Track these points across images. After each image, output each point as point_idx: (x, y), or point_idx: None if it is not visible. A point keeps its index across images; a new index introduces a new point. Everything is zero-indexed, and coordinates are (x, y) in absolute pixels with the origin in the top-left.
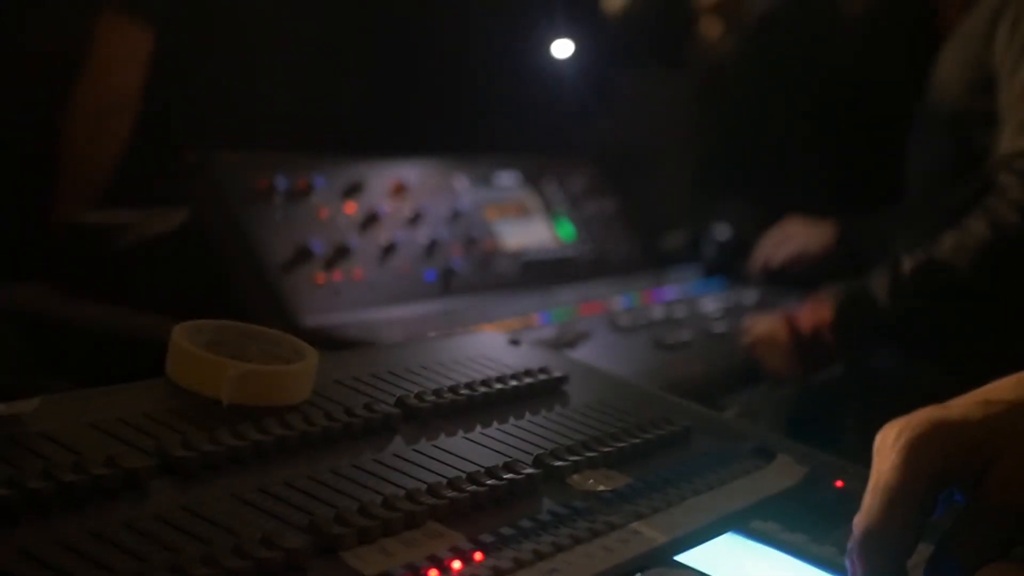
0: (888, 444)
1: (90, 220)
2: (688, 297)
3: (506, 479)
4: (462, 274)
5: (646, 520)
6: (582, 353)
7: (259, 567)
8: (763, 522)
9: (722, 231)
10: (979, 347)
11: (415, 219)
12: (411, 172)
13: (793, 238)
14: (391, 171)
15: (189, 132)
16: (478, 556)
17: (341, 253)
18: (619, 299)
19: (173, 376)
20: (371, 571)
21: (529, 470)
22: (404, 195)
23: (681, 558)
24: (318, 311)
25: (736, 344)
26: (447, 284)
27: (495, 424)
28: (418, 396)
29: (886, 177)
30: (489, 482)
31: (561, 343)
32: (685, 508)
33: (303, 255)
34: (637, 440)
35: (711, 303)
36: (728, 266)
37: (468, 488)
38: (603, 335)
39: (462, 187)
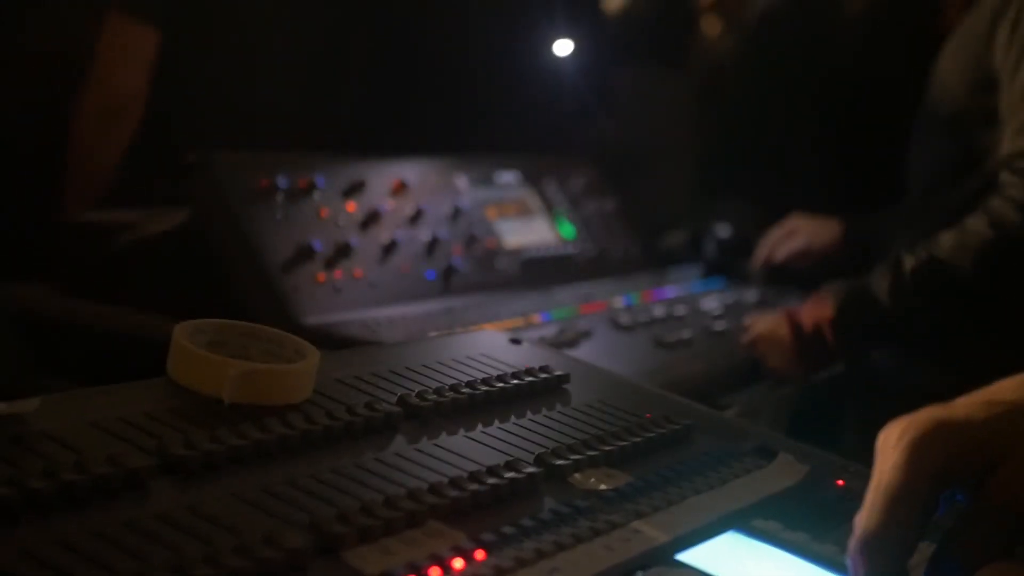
0: (891, 443)
1: (91, 220)
2: (688, 295)
3: (507, 478)
4: (463, 273)
5: (647, 519)
6: (583, 352)
7: (260, 566)
8: (764, 521)
9: (722, 230)
10: (980, 346)
11: (416, 218)
12: (412, 171)
13: (798, 234)
14: (392, 170)
15: (190, 132)
16: (480, 555)
17: (342, 252)
18: (620, 298)
19: (174, 375)
20: (373, 570)
21: (530, 469)
22: (405, 194)
23: (682, 557)
24: (319, 310)
25: (737, 342)
26: (448, 283)
27: (496, 423)
28: (419, 395)
29: (887, 176)
30: (490, 481)
31: (562, 342)
32: (686, 507)
33: (304, 254)
34: (638, 439)
35: (712, 301)
36: (728, 266)
37: (470, 487)
38: (604, 334)
39: (463, 186)
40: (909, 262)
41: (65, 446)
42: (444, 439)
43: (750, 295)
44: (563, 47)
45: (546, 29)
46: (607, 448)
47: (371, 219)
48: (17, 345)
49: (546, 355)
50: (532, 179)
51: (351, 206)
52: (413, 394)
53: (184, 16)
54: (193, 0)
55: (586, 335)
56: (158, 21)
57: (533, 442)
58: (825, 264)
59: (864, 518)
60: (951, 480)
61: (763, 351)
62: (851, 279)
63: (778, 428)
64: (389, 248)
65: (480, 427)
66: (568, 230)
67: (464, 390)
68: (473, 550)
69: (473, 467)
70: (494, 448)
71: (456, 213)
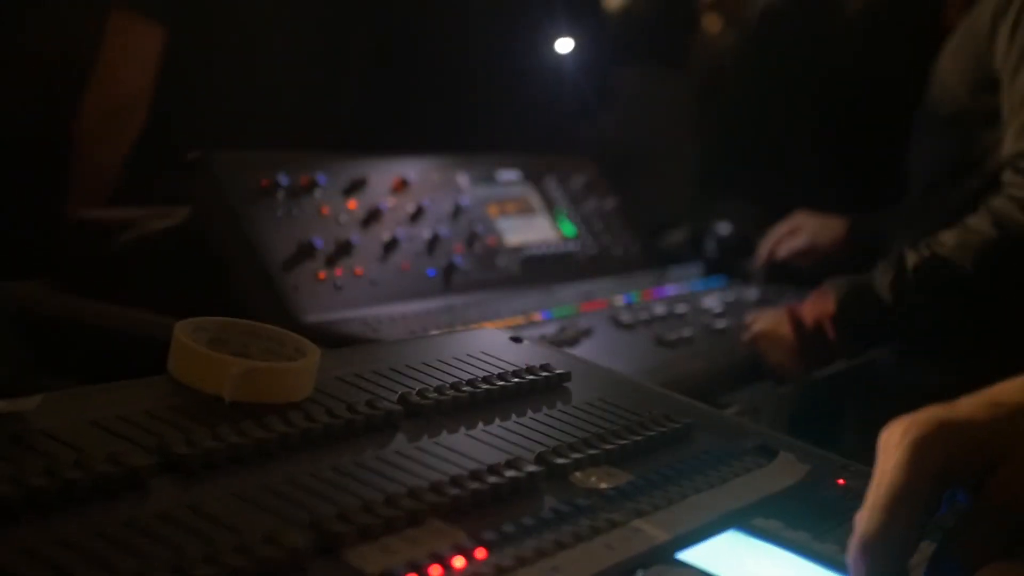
0: (893, 443)
1: (92, 218)
2: (689, 293)
3: (508, 476)
4: (464, 271)
5: (648, 518)
6: (583, 350)
7: (261, 565)
8: (765, 520)
9: (723, 229)
10: (981, 346)
11: (417, 216)
12: (413, 169)
13: (802, 231)
14: (393, 168)
15: (191, 130)
16: (480, 554)
17: (343, 250)
18: (620, 296)
19: (175, 373)
20: (373, 569)
21: (531, 467)
22: (406, 192)
23: (683, 556)
24: (320, 308)
25: (738, 340)
26: (449, 281)
27: (497, 421)
28: (420, 393)
29: (887, 175)
30: (491, 479)
31: (562, 340)
32: (687, 506)
33: (305, 252)
34: (639, 437)
35: (712, 300)
36: (729, 264)
37: (470, 485)
38: (604, 332)
39: (464, 184)
40: (911, 259)
41: (66, 444)
42: (445, 437)
43: (751, 293)
44: (564, 46)
45: (547, 28)
46: (608, 447)
47: (372, 217)
48: (17, 343)
49: (547, 353)
50: (533, 177)
51: (352, 204)
52: (414, 392)
53: (185, 15)
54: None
55: (587, 333)
56: (160, 20)
57: (534, 440)
58: (828, 263)
59: (865, 517)
60: (952, 480)
61: (764, 348)
62: (853, 274)
63: (779, 427)
64: (390, 246)
65: (481, 425)
66: (569, 228)
67: (465, 388)
68: (474, 549)
69: (474, 465)
70: (495, 446)
71: (457, 211)
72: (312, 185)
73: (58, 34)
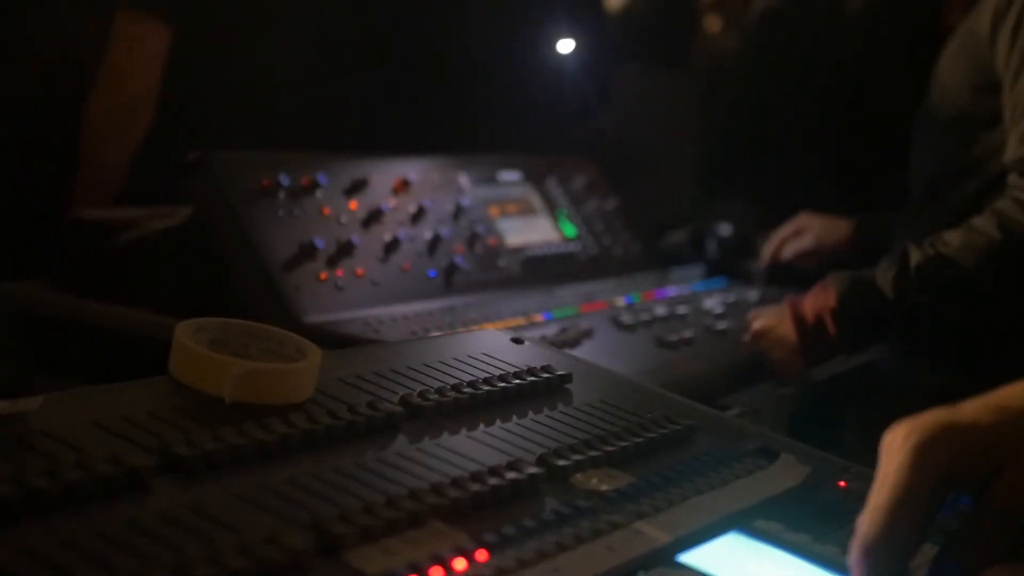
0: (896, 445)
1: (93, 218)
2: (690, 294)
3: (509, 478)
4: (465, 271)
5: (649, 520)
6: (584, 351)
7: (262, 566)
8: (766, 522)
9: (724, 230)
10: (982, 348)
11: (418, 217)
12: (414, 170)
13: (807, 232)
14: (394, 169)
15: (192, 130)
16: (481, 555)
17: (344, 251)
18: (621, 297)
19: (176, 374)
20: (374, 570)
21: (532, 469)
22: (407, 193)
23: (684, 558)
24: (321, 309)
25: (739, 341)
26: (450, 282)
27: (498, 423)
28: (421, 394)
29: (887, 176)
30: (492, 481)
31: (563, 341)
32: (688, 508)
33: (306, 253)
34: (640, 439)
35: (713, 301)
36: (730, 266)
37: (471, 487)
38: (605, 333)
39: (465, 185)
40: (915, 257)
41: (67, 445)
42: (446, 439)
43: (752, 295)
44: (565, 46)
45: (548, 28)
46: (609, 448)
47: (373, 217)
48: (19, 343)
49: (548, 355)
50: (534, 178)
51: (353, 204)
52: (415, 393)
53: (186, 15)
54: (195, 0)
55: (588, 334)
56: (166, 20)
57: (535, 442)
58: (833, 264)
59: (867, 519)
60: (956, 483)
61: (766, 343)
62: (855, 269)
63: (780, 429)
64: (391, 247)
65: (482, 427)
66: (570, 229)
67: (466, 390)
68: (475, 550)
69: (475, 467)
70: (496, 448)
71: (458, 212)
72: (313, 185)
73: (64, 35)
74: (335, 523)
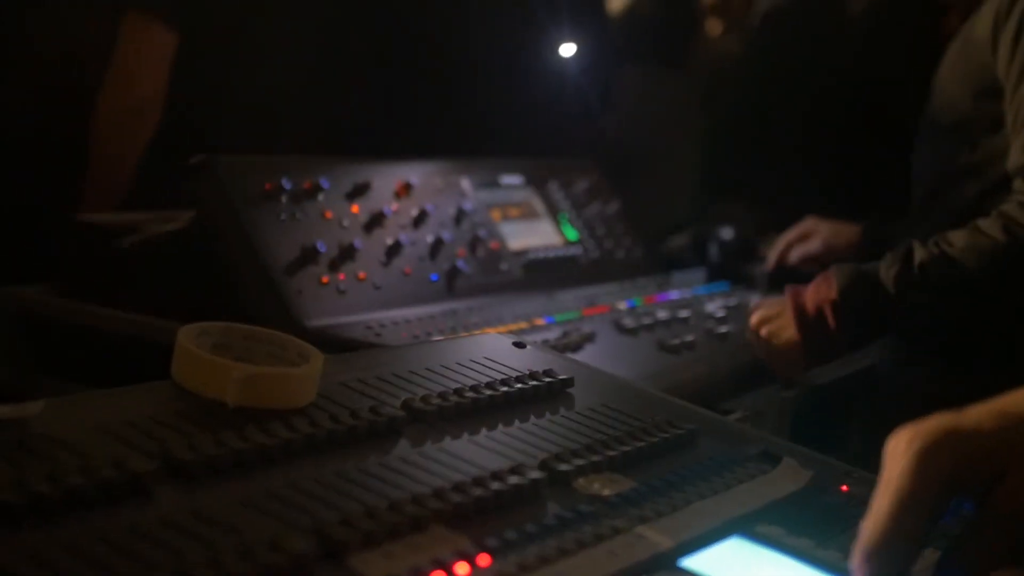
0: (900, 450)
1: (97, 222)
2: (692, 298)
3: (511, 483)
4: (467, 275)
5: (651, 524)
6: (586, 355)
7: (264, 571)
8: (768, 526)
9: (726, 233)
10: (984, 351)
11: (420, 220)
12: (416, 173)
13: (815, 236)
14: (396, 172)
15: (194, 134)
16: (483, 560)
17: (346, 254)
18: (623, 301)
19: (178, 378)
20: (376, 575)
21: (534, 474)
22: (409, 196)
23: (686, 562)
24: (323, 312)
25: (741, 343)
26: (452, 285)
27: (500, 427)
28: (423, 399)
29: (889, 180)
30: (494, 486)
31: (565, 345)
32: (690, 512)
33: (308, 256)
34: (642, 444)
35: (715, 304)
36: (732, 269)
37: (473, 492)
38: (607, 336)
39: (467, 189)
40: (919, 255)
41: (69, 449)
42: (448, 443)
43: (754, 298)
44: (566, 49)
45: (549, 31)
46: (611, 453)
47: (375, 221)
48: (22, 347)
49: (550, 359)
50: (536, 182)
51: (355, 208)
52: (417, 398)
53: (189, 20)
54: (198, 4)
55: (589, 338)
56: (171, 24)
57: (537, 447)
58: None
59: (870, 524)
60: (959, 488)
61: (766, 335)
62: (859, 263)
63: (782, 433)
64: (393, 250)
65: (484, 431)
66: (572, 233)
67: (468, 394)
68: (477, 555)
69: (477, 472)
70: (498, 452)
71: (460, 215)
72: (316, 189)
73: (70, 38)
74: (337, 528)
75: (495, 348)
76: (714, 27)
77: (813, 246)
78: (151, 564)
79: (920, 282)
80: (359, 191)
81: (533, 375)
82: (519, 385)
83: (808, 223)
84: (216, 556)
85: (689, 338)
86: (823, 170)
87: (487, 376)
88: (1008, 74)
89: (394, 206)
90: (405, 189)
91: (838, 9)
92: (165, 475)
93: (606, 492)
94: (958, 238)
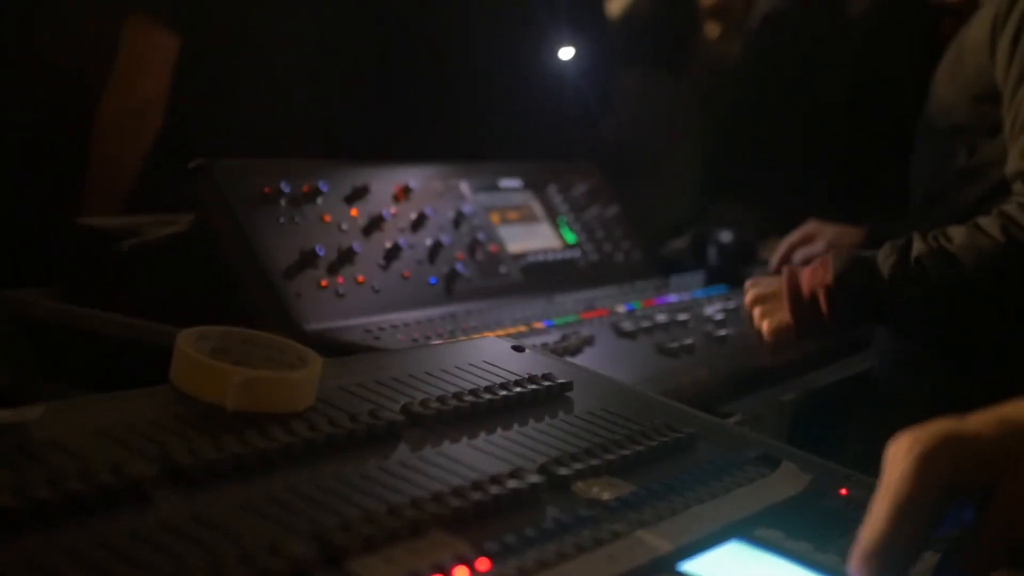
0: (900, 454)
1: (96, 225)
2: (691, 301)
3: (510, 487)
4: (466, 278)
5: (650, 528)
6: (585, 358)
7: (264, 575)
8: (767, 530)
9: (725, 236)
10: (979, 351)
11: (419, 224)
12: (415, 177)
13: (818, 239)
14: (395, 176)
15: (193, 137)
16: (482, 565)
17: (345, 258)
18: (622, 304)
19: (177, 383)
20: None
21: (533, 478)
22: (408, 200)
23: (685, 566)
24: (322, 316)
25: (740, 346)
26: (451, 289)
27: (499, 431)
28: (422, 403)
29: (888, 182)
30: (493, 490)
31: (564, 348)
32: (689, 516)
33: (307, 260)
34: (641, 447)
35: (714, 307)
36: (731, 272)
37: (472, 496)
38: (606, 340)
39: (466, 192)
40: (917, 248)
41: (68, 454)
42: (447, 447)
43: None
44: (566, 52)
45: (549, 34)
46: (610, 457)
47: (374, 225)
48: (21, 351)
49: (549, 362)
50: (535, 185)
51: (354, 212)
52: (416, 402)
53: (191, 23)
54: (200, 8)
55: (588, 341)
56: (173, 27)
57: (536, 451)
58: None
59: (869, 527)
60: (958, 493)
61: (760, 313)
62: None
63: (781, 437)
64: (392, 254)
65: (483, 435)
66: (571, 236)
67: (467, 398)
68: (476, 559)
69: (476, 476)
70: (497, 456)
71: (459, 219)
72: (314, 193)
73: (73, 41)
74: (337, 532)
75: (494, 352)
76: (713, 29)
77: (816, 249)
78: (151, 569)
79: (916, 275)
80: (358, 194)
81: (532, 379)
82: (518, 389)
83: (811, 226)
84: (216, 561)
85: (688, 341)
86: (822, 172)
87: (486, 380)
88: (1006, 78)
89: (393, 209)
90: (404, 192)
91: (837, 11)
92: (165, 479)
93: (605, 496)
94: (957, 234)
